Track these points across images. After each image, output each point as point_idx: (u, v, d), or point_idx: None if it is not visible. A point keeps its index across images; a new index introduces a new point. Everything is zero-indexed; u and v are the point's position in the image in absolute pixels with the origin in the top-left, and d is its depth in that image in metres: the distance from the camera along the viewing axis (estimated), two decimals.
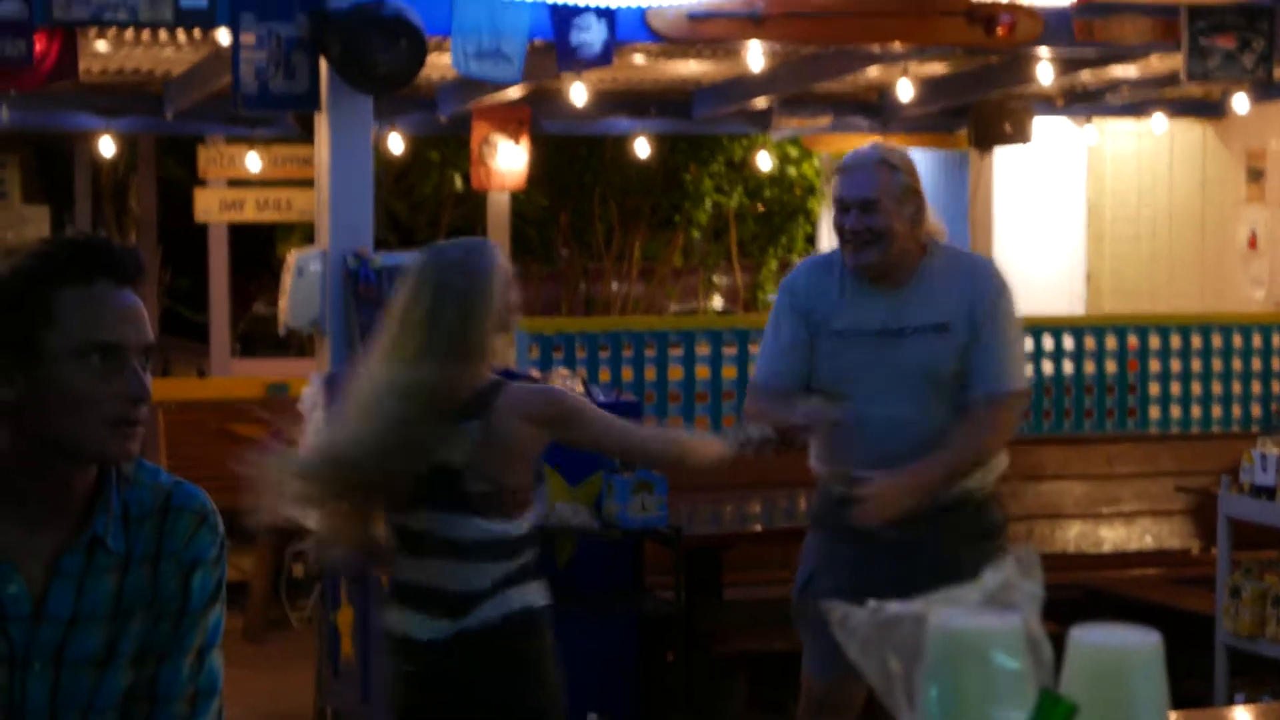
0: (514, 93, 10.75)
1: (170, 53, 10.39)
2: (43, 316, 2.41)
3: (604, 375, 8.83)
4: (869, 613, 1.40)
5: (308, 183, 11.73)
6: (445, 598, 4.18)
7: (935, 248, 4.82)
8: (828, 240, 16.64)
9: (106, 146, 12.24)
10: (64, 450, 2.44)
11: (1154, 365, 9.97)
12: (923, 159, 15.52)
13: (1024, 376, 4.88)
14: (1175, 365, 10.01)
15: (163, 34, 9.33)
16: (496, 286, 4.20)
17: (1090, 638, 1.39)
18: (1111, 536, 8.26)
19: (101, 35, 9.36)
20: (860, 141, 14.37)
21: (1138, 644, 1.39)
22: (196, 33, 9.04)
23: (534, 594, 4.26)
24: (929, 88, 12.08)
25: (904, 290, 4.76)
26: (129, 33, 9.19)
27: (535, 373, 7.65)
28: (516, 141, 12.23)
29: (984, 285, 4.76)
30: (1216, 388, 10.03)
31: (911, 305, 4.75)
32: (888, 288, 4.77)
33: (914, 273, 4.77)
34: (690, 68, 11.55)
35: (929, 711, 1.38)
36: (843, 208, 4.75)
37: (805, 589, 4.89)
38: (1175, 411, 9.97)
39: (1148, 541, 8.30)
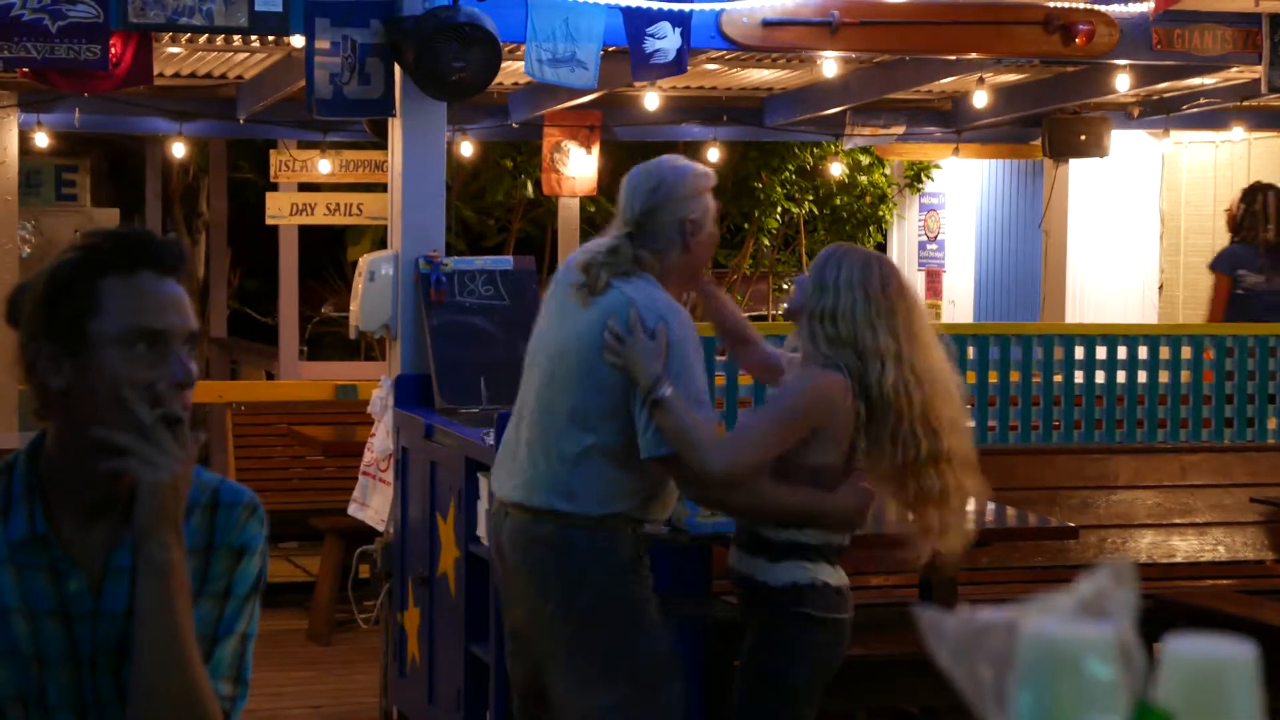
0: (585, 99, 10.75)
1: (243, 57, 10.44)
2: (89, 305, 2.47)
3: None
4: (960, 620, 1.37)
5: (378, 186, 11.77)
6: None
7: None
8: (898, 249, 16.59)
9: (178, 149, 12.31)
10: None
11: (1228, 375, 9.87)
12: (996, 168, 15.47)
13: None
14: (1251, 376, 9.91)
15: (236, 38, 9.37)
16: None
17: (1186, 647, 1.36)
18: (1184, 547, 8.18)
19: (175, 39, 9.41)
20: (935, 150, 14.40)
21: (1234, 654, 1.36)
22: (270, 37, 9.08)
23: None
24: (1004, 96, 12.02)
25: None
26: (202, 37, 9.24)
27: None
28: (587, 148, 12.24)
29: None
30: None
31: None
32: None
33: None
34: (763, 75, 11.53)
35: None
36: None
37: None
38: (1250, 422, 9.87)
39: (1220, 552, 8.22)
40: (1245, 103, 12.08)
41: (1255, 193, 10.55)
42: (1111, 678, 1.34)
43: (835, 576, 4.79)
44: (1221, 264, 10.53)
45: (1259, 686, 1.36)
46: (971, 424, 4.70)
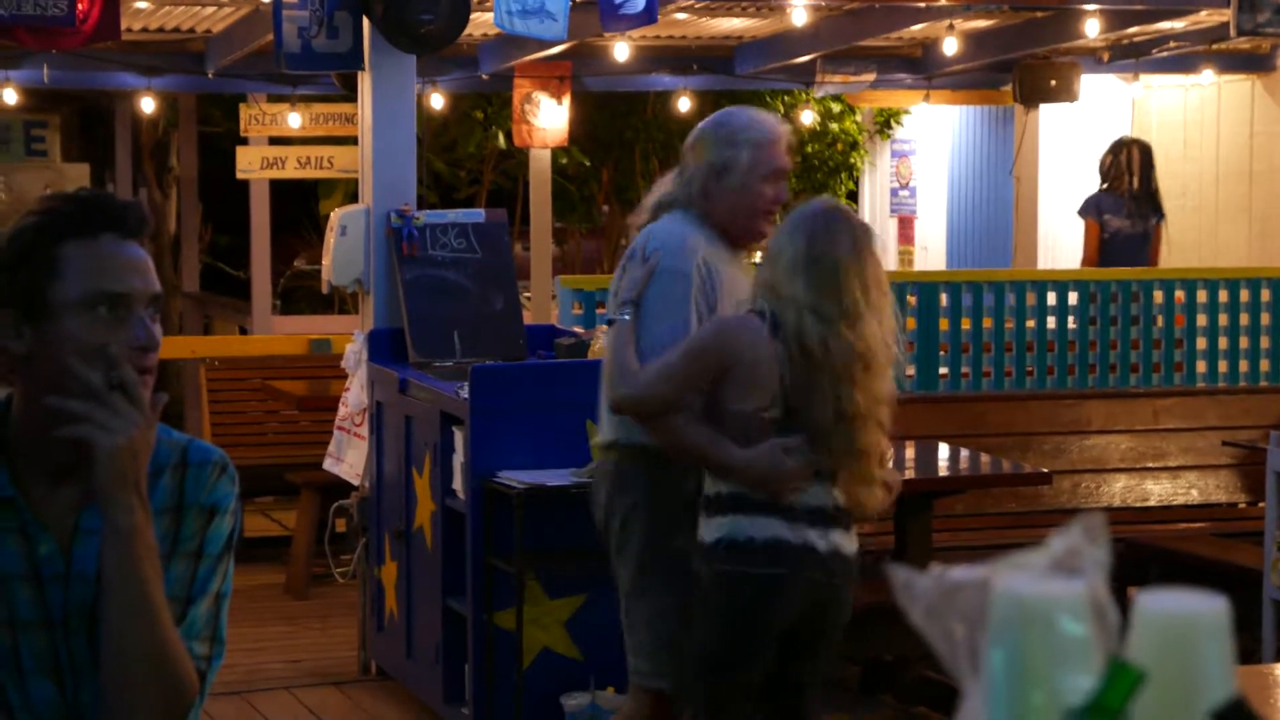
0: (555, 50, 10.71)
1: (211, 10, 10.38)
2: (49, 270, 2.46)
3: None
4: (933, 579, 1.38)
5: (349, 140, 11.72)
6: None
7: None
8: (870, 196, 16.57)
9: (147, 105, 12.25)
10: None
11: (1201, 319, 9.91)
12: (967, 115, 15.45)
13: None
14: (1222, 319, 9.95)
15: None
16: None
17: (1157, 604, 1.37)
18: (1157, 491, 8.23)
19: None
20: (905, 97, 14.37)
21: (1205, 609, 1.37)
22: None
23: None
24: (974, 43, 11.99)
25: (746, 260, 4.99)
26: None
27: (578, 329, 7.65)
28: (558, 99, 12.19)
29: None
30: (1264, 342, 9.96)
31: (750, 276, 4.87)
32: (737, 255, 4.98)
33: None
34: (733, 24, 11.49)
35: (994, 678, 1.36)
36: (780, 176, 4.89)
37: None
38: (1222, 366, 9.91)
39: (1194, 496, 8.27)
40: (1214, 46, 12.07)
41: (1121, 146, 11.43)
42: (1084, 635, 1.35)
43: (768, 529, 4.57)
44: (1089, 210, 11.30)
45: (1230, 641, 1.37)
46: (892, 389, 4.60)
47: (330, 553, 8.76)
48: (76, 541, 2.51)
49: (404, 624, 6.98)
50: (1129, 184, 11.32)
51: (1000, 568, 1.38)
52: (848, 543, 4.63)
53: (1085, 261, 11.24)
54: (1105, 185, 11.46)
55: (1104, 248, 11.12)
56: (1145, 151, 11.36)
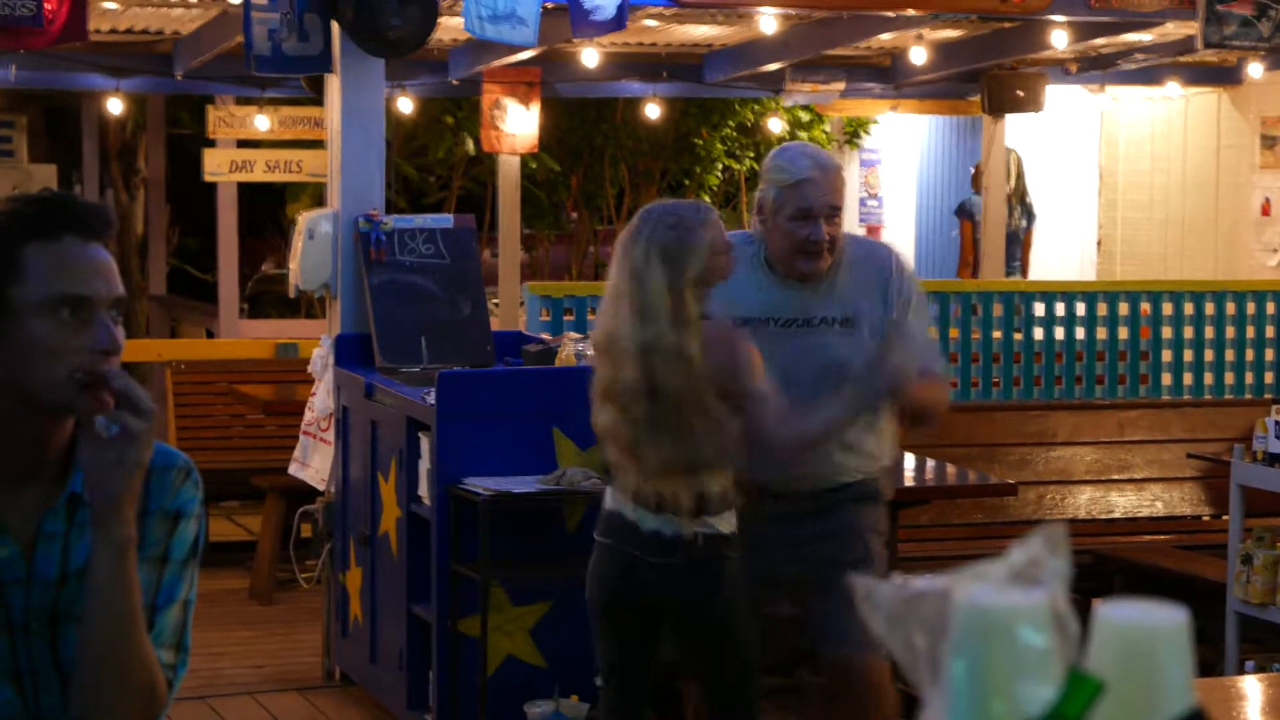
0: (525, 55, 10.71)
1: (179, 12, 10.35)
2: (11, 272, 2.44)
3: None
4: (895, 588, 1.38)
5: (318, 143, 11.70)
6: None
7: (845, 240, 4.93)
8: None
9: (115, 106, 12.21)
10: (37, 403, 2.45)
11: (1166, 332, 9.95)
12: (935, 124, 15.50)
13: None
14: (1188, 332, 9.99)
15: None
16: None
17: (1117, 615, 1.37)
18: (1122, 502, 8.25)
19: None
20: (874, 106, 14.38)
21: (1165, 621, 1.38)
22: None
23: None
24: (942, 53, 12.03)
25: (813, 283, 4.86)
26: None
27: (546, 336, 7.65)
28: (527, 105, 12.19)
29: (889, 276, 4.89)
30: (1229, 355, 10.01)
31: (821, 299, 4.85)
32: (804, 283, 4.87)
33: (831, 269, 4.87)
34: (703, 31, 11.50)
35: (954, 687, 1.36)
36: (806, 216, 4.79)
37: None
38: (1187, 378, 9.95)
39: (1158, 508, 8.29)
40: (1181, 58, 12.12)
41: None
42: (1044, 645, 1.35)
43: (611, 502, 4.81)
44: (963, 212, 12.70)
45: (1189, 652, 1.38)
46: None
47: (295, 558, 8.74)
48: (39, 545, 2.50)
49: (368, 630, 6.97)
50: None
51: (961, 578, 1.38)
52: (672, 526, 4.67)
53: (961, 259, 12.39)
54: (977, 188, 12.65)
55: (976, 247, 12.19)
56: (1017, 161, 12.50)
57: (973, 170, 12.85)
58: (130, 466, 2.39)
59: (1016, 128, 13.47)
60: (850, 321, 4.84)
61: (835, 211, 4.82)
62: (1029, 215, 12.74)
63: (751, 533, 4.79)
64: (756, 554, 4.83)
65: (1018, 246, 12.55)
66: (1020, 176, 12.56)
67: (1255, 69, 12.22)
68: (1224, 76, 13.02)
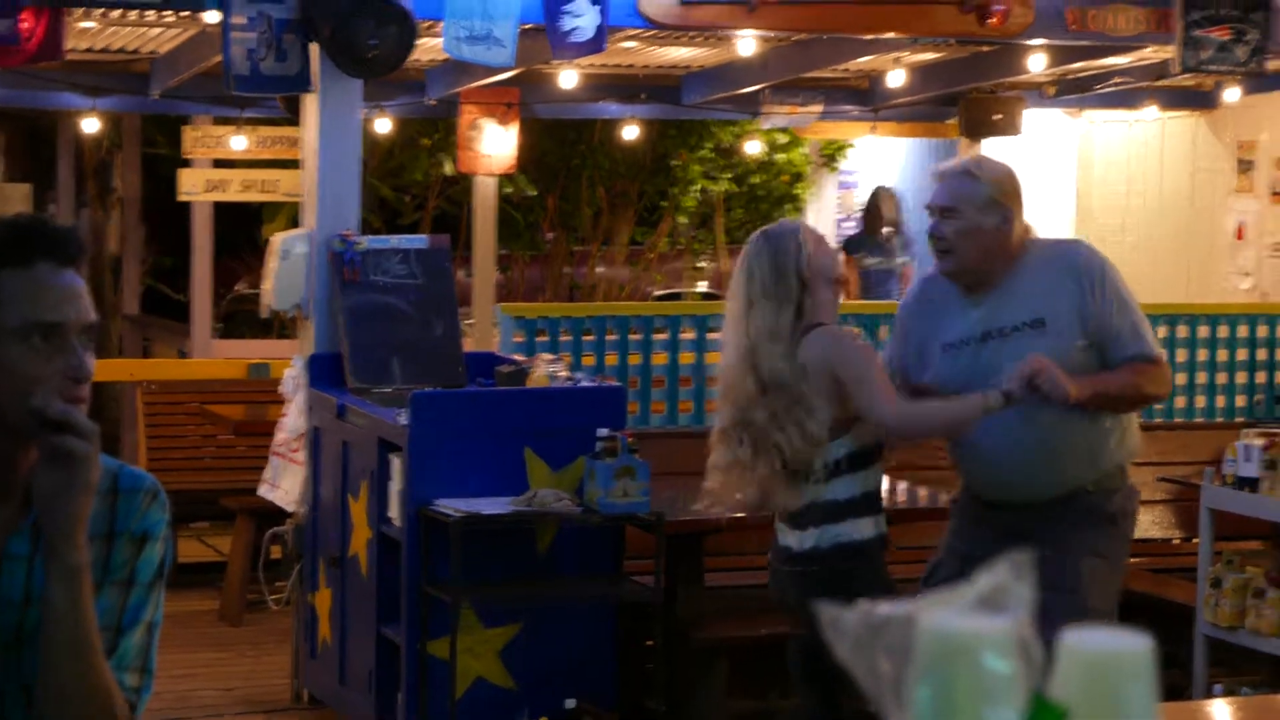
0: (503, 76, 10.71)
1: (157, 32, 10.33)
2: None
3: (588, 360, 8.79)
4: (860, 614, 1.37)
5: (294, 164, 11.67)
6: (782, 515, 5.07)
7: (1030, 246, 5.01)
8: (815, 227, 16.57)
9: (90, 125, 12.18)
10: (6, 428, 2.44)
11: None
12: (913, 147, 15.52)
13: (1158, 343, 5.01)
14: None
15: (150, 12, 9.26)
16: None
17: (1082, 641, 1.36)
18: None
19: (87, 14, 9.29)
20: (851, 129, 14.42)
21: (1129, 648, 1.36)
22: (184, 12, 8.97)
23: (850, 527, 4.94)
24: (920, 76, 12.05)
25: (997, 292, 4.95)
26: (116, 11, 9.12)
27: (519, 357, 7.63)
28: (504, 125, 12.18)
29: (1081, 272, 4.93)
30: (1201, 378, 10.01)
31: (1006, 305, 4.93)
32: (982, 293, 4.97)
33: (1006, 275, 4.94)
34: (681, 53, 11.51)
35: (919, 714, 1.35)
36: (930, 213, 5.02)
37: (927, 579, 5.13)
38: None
39: None
40: (1158, 82, 12.16)
41: (874, 194, 13.82)
42: (1009, 672, 1.34)
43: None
44: (849, 248, 13.42)
45: (1153, 679, 1.36)
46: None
47: (265, 579, 8.70)
48: (3, 567, 2.49)
49: (337, 651, 6.93)
50: (880, 227, 13.58)
51: (926, 604, 1.37)
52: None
53: (848, 293, 13.14)
54: (863, 227, 13.94)
55: (862, 280, 13.14)
56: (895, 199, 13.62)
57: (860, 209, 13.90)
58: (78, 490, 2.37)
59: (993, 151, 13.48)
60: (1040, 322, 4.91)
61: (945, 211, 4.95)
62: (906, 248, 13.54)
63: (969, 543, 4.97)
64: (970, 566, 4.83)
65: (895, 281, 13.32)
66: (897, 214, 13.47)
67: (1232, 93, 12.25)
68: (1201, 100, 13.06)
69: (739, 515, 7.06)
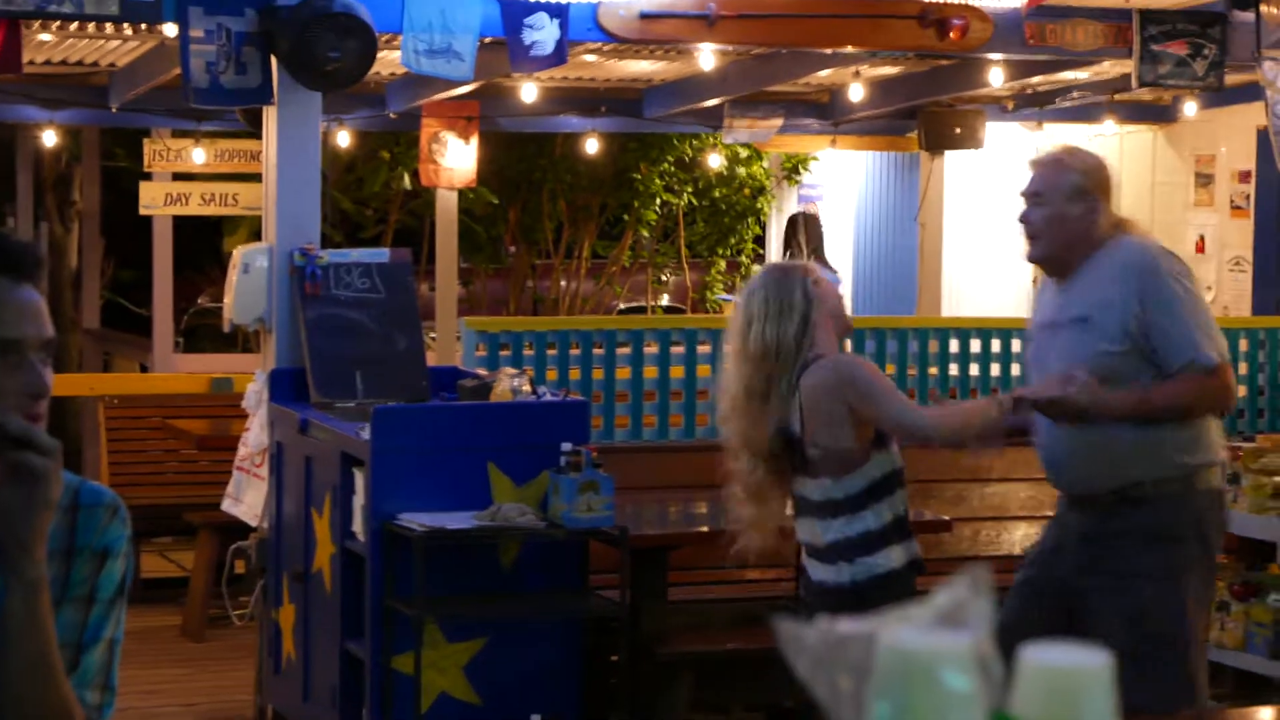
0: (463, 90, 10.71)
1: (115, 44, 10.30)
2: None
3: (551, 374, 8.79)
4: (819, 631, 1.37)
5: (254, 177, 11.65)
6: (810, 550, 5.03)
7: (1114, 241, 4.96)
8: (776, 241, 16.64)
9: (49, 138, 12.14)
10: None
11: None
12: (874, 161, 15.56)
13: (1218, 349, 4.86)
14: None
15: (108, 25, 9.24)
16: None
17: (1041, 657, 1.37)
18: None
19: (46, 27, 9.26)
20: (812, 143, 14.47)
21: (1089, 663, 1.37)
22: (143, 25, 8.95)
23: (883, 558, 4.92)
24: (880, 90, 12.09)
25: (1072, 282, 4.99)
26: (74, 24, 9.10)
27: (482, 371, 7.63)
28: (465, 139, 12.17)
29: (1135, 272, 4.89)
30: None
31: (1070, 297, 4.97)
32: (1060, 282, 5.04)
33: (1083, 266, 4.95)
34: (641, 66, 11.52)
35: None
36: (1023, 199, 5.07)
37: (1023, 564, 5.25)
38: None
39: None
40: (1116, 96, 12.22)
41: (791, 219, 13.69)
42: (968, 688, 1.35)
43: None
44: None
45: (1113, 694, 1.37)
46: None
47: (228, 594, 8.67)
48: None
49: (301, 667, 6.91)
50: (798, 250, 13.47)
51: (886, 620, 1.37)
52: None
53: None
54: (786, 251, 13.66)
55: None
56: (814, 223, 13.40)
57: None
58: (39, 506, 2.36)
59: (953, 165, 13.53)
60: (1085, 319, 4.91)
61: (1034, 197, 5.01)
62: (824, 270, 14.04)
63: (1050, 537, 5.09)
64: (1049, 557, 5.07)
65: None
66: (817, 238, 13.47)
67: (1190, 107, 12.33)
68: (1159, 115, 13.13)
69: (703, 530, 7.09)
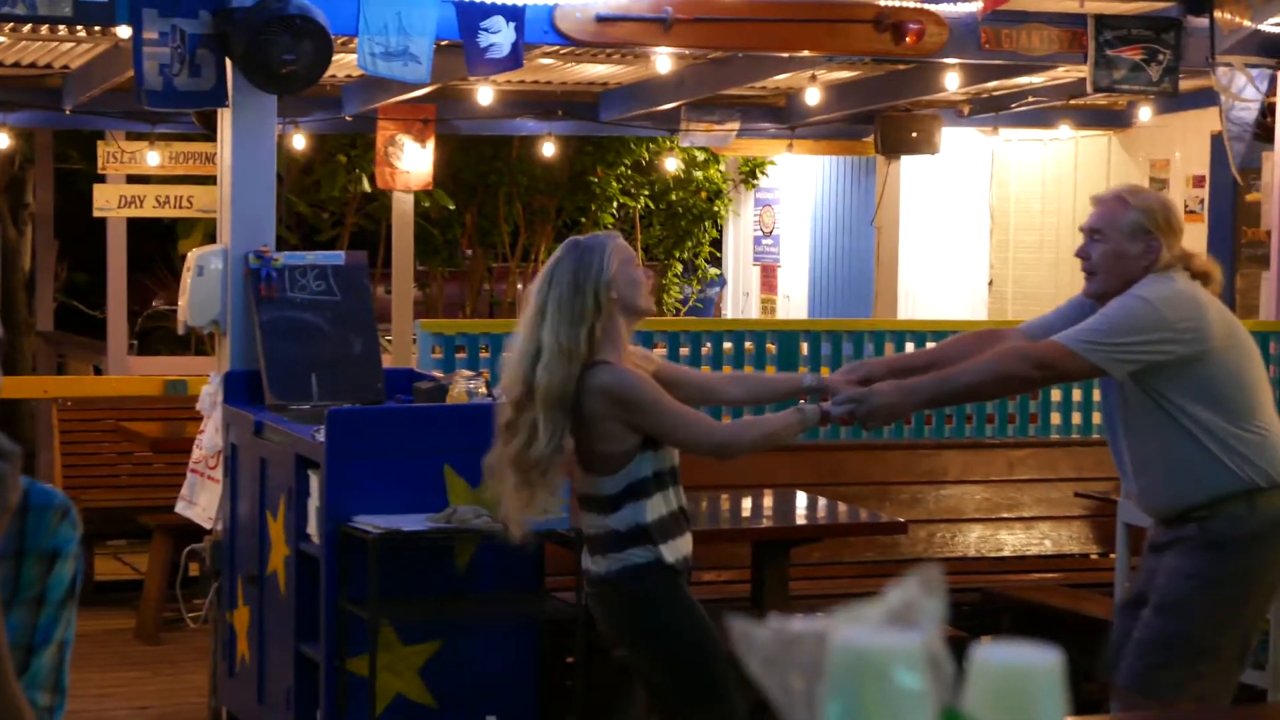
0: (419, 93, 10.69)
1: (69, 46, 10.26)
2: None
3: None
4: (771, 630, 1.38)
5: (209, 179, 11.61)
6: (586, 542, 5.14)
7: (1153, 277, 4.99)
8: (733, 244, 16.66)
9: (1, 140, 12.08)
10: None
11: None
12: (830, 165, 15.60)
13: (1089, 344, 4.85)
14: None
15: (62, 27, 9.20)
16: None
17: (992, 656, 1.37)
18: (1011, 541, 8.30)
19: None
20: (769, 146, 14.48)
21: (1039, 662, 1.38)
22: (96, 27, 8.92)
23: (643, 553, 4.97)
24: (837, 94, 12.12)
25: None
26: (26, 26, 9.06)
27: (438, 374, 7.62)
28: (422, 142, 12.16)
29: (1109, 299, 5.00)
30: None
31: None
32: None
33: None
34: (598, 70, 11.53)
35: None
36: (1083, 234, 5.10)
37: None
38: (1076, 418, 10.03)
39: (1047, 546, 8.35)
40: (1071, 101, 12.28)
41: None
42: (920, 687, 1.35)
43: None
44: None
45: (1063, 692, 1.38)
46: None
47: (182, 597, 8.64)
48: None
49: (256, 669, 6.89)
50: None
51: (837, 620, 1.38)
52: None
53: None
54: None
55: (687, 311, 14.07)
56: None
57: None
58: (6, 513, 2.35)
59: (910, 169, 13.58)
60: None
61: (1094, 233, 5.01)
62: (720, 282, 14.56)
63: (1146, 552, 5.16)
64: (1143, 572, 5.20)
65: (709, 310, 14.46)
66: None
67: (1145, 112, 12.39)
68: (1114, 120, 13.19)
69: None
